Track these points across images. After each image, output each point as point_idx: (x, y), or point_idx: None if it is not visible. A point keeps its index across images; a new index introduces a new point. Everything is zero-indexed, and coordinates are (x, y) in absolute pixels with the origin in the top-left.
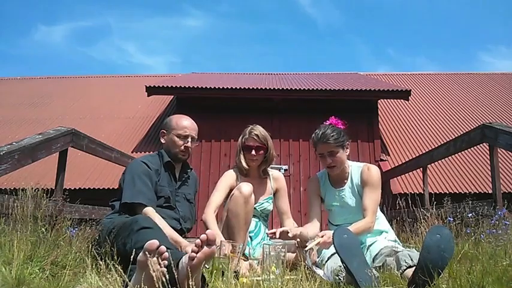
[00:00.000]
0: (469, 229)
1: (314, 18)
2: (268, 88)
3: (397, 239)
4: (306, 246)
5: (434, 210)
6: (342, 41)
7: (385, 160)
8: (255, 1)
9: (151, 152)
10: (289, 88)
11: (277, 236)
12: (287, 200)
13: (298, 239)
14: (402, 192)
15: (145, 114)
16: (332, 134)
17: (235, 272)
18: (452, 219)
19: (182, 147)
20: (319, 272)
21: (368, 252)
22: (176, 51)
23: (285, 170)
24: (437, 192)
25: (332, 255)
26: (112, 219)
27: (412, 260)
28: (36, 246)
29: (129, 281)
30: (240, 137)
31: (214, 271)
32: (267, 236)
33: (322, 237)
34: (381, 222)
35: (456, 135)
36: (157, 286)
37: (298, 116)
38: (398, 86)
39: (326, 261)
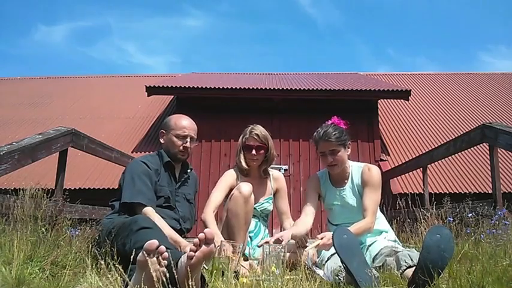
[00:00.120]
0: (469, 229)
1: (314, 18)
2: (268, 88)
3: (397, 239)
4: (306, 246)
5: (434, 210)
6: (342, 41)
7: (385, 160)
8: (255, 1)
9: (151, 152)
10: (289, 88)
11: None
12: (287, 200)
13: (298, 240)
14: (402, 192)
15: (145, 114)
16: (334, 133)
17: (235, 272)
18: (452, 219)
19: (181, 147)
20: (319, 272)
21: (368, 252)
22: (176, 51)
23: (285, 170)
24: (437, 192)
25: (332, 255)
26: (112, 219)
27: (412, 260)
28: (36, 246)
29: (129, 281)
30: (241, 137)
31: (214, 271)
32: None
33: (321, 239)
34: (381, 222)
35: (456, 135)
36: (157, 286)
37: (298, 116)
38: (398, 86)
39: (326, 261)
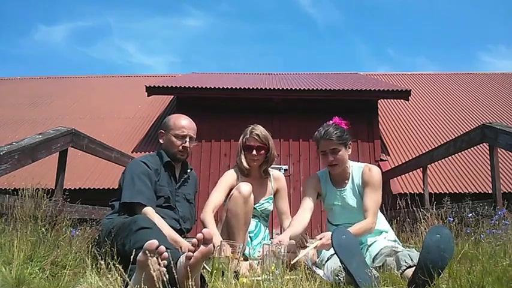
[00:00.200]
0: (469, 229)
1: (314, 18)
2: (268, 88)
3: (397, 239)
4: (306, 246)
5: (434, 210)
6: (342, 41)
7: (385, 160)
8: (255, 1)
9: (151, 152)
10: (289, 88)
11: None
12: (287, 200)
13: (297, 240)
14: (402, 192)
15: (145, 114)
16: (335, 132)
17: (235, 272)
18: (452, 219)
19: (180, 147)
20: (319, 272)
21: (368, 252)
22: (176, 51)
23: (285, 170)
24: (437, 192)
25: (332, 255)
26: (112, 219)
27: (412, 260)
28: (36, 246)
29: (129, 280)
30: (241, 137)
31: (214, 271)
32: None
33: (321, 239)
34: (381, 222)
35: (456, 135)
36: (157, 286)
37: (298, 116)
38: (398, 86)
39: (326, 262)
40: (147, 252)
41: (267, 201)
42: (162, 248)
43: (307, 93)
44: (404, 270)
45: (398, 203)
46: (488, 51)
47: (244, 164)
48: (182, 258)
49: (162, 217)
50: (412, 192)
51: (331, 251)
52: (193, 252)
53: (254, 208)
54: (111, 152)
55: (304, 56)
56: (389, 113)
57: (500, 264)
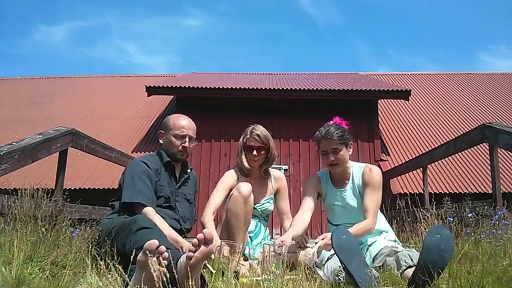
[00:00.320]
0: (469, 229)
1: (314, 18)
2: (268, 88)
3: (397, 239)
4: (306, 246)
5: (434, 210)
6: (342, 41)
7: (385, 160)
8: (255, 1)
9: (151, 152)
10: (289, 88)
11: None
12: (288, 200)
13: (297, 240)
14: (402, 192)
15: (145, 114)
16: (337, 132)
17: (235, 272)
18: (452, 219)
19: (180, 147)
20: (319, 272)
21: (368, 252)
22: (176, 51)
23: (285, 170)
24: (437, 192)
25: (332, 255)
26: (112, 219)
27: (412, 260)
28: (36, 246)
29: (129, 281)
30: (241, 137)
31: (214, 271)
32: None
33: (323, 239)
34: (381, 222)
35: (456, 135)
36: (157, 286)
37: (298, 116)
38: (398, 86)
39: (326, 262)
40: (147, 252)
41: (268, 201)
42: (163, 248)
43: (307, 93)
44: (405, 270)
45: (398, 203)
46: (488, 51)
47: (245, 164)
48: (183, 258)
49: (162, 217)
50: (412, 192)
51: (331, 251)
52: (194, 252)
53: (254, 208)
54: (111, 152)
55: (304, 56)
56: (389, 113)
57: (500, 264)
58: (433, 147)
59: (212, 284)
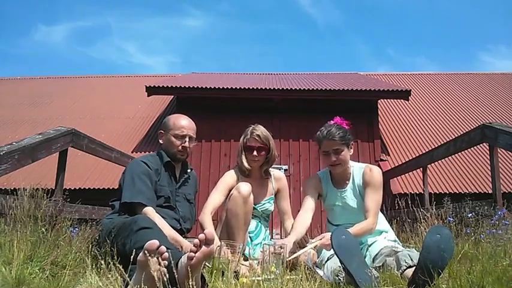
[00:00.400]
0: (469, 229)
1: (314, 18)
2: (268, 88)
3: (397, 239)
4: (306, 246)
5: (434, 210)
6: (342, 41)
7: (385, 160)
8: (255, 1)
9: (151, 152)
10: (289, 88)
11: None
12: (288, 200)
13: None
14: (402, 192)
15: (145, 114)
16: (338, 132)
17: (235, 272)
18: (452, 219)
19: (180, 147)
20: (319, 272)
21: (368, 252)
22: (176, 51)
23: (285, 170)
24: (437, 192)
25: (332, 255)
26: (112, 219)
27: (412, 260)
28: (36, 246)
29: (130, 281)
30: (242, 137)
31: (214, 271)
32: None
33: (321, 239)
34: (381, 222)
35: (456, 135)
36: (158, 286)
37: (298, 116)
38: (398, 86)
39: (326, 262)
40: (147, 252)
41: (268, 202)
42: (163, 248)
43: (307, 93)
44: (405, 270)
45: (398, 203)
46: (488, 51)
47: (245, 164)
48: (184, 259)
49: (163, 217)
50: (412, 192)
51: (331, 251)
52: (195, 252)
53: (255, 208)
54: (111, 152)
55: (304, 56)
56: (389, 113)
57: (500, 264)
58: (433, 147)
59: (212, 284)
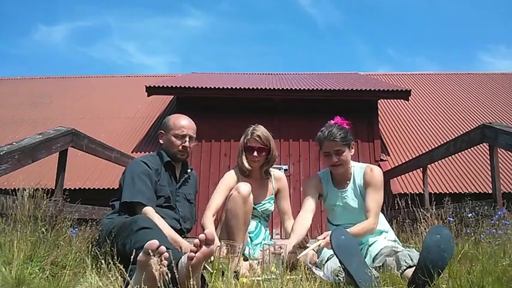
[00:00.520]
0: (469, 229)
1: (314, 18)
2: (268, 88)
3: (397, 239)
4: (306, 246)
5: (434, 210)
6: (342, 41)
7: (385, 160)
8: (255, 1)
9: (151, 152)
10: (289, 88)
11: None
12: (288, 200)
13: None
14: (402, 192)
15: (145, 114)
16: (339, 133)
17: (235, 272)
18: (452, 219)
19: (180, 147)
20: (319, 272)
21: (368, 252)
22: (176, 51)
23: (285, 170)
24: (437, 192)
25: (332, 255)
26: (112, 219)
27: (412, 260)
28: (36, 246)
29: (130, 281)
30: (242, 138)
31: (214, 271)
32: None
33: (323, 238)
34: (381, 222)
35: (456, 135)
36: (158, 286)
37: (298, 116)
38: (398, 86)
39: (326, 262)
40: (147, 252)
41: (268, 202)
42: (163, 248)
43: (307, 93)
44: (405, 270)
45: (398, 203)
46: (488, 51)
47: (246, 165)
48: (184, 259)
49: (163, 217)
50: (412, 192)
51: (332, 251)
52: (195, 252)
53: (255, 209)
54: (111, 152)
55: (304, 56)
56: (389, 113)
57: (500, 264)
58: (433, 147)
59: (212, 284)
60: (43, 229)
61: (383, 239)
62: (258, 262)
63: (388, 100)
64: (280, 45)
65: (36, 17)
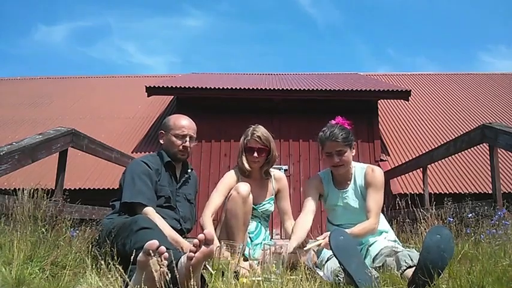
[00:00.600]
0: (469, 229)
1: (314, 18)
2: (268, 88)
3: (397, 239)
4: (306, 246)
5: (434, 210)
6: (342, 41)
7: (385, 160)
8: (255, 1)
9: (151, 152)
10: (289, 88)
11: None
12: (289, 200)
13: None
14: (402, 193)
15: (145, 114)
16: (341, 133)
17: (235, 272)
18: (452, 219)
19: (181, 147)
20: (319, 272)
21: (368, 253)
22: (176, 51)
23: (285, 170)
24: (437, 192)
25: (332, 255)
26: (112, 219)
27: (412, 260)
28: (36, 246)
29: (129, 281)
30: (242, 138)
31: (214, 271)
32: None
33: (324, 238)
34: (381, 222)
35: (456, 135)
36: (158, 286)
37: (298, 116)
38: (398, 86)
39: (326, 262)
40: (147, 252)
41: (268, 202)
42: (163, 248)
43: (307, 93)
44: (405, 270)
45: (398, 203)
46: (488, 51)
47: (246, 165)
48: (183, 259)
49: (163, 217)
50: (412, 193)
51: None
52: (195, 252)
53: (255, 209)
54: (111, 152)
55: (304, 56)
56: (389, 113)
57: (500, 264)
58: (433, 147)
59: (212, 284)
60: (43, 229)
61: (383, 239)
62: (258, 262)
63: (388, 100)
64: (280, 45)
65: (36, 17)
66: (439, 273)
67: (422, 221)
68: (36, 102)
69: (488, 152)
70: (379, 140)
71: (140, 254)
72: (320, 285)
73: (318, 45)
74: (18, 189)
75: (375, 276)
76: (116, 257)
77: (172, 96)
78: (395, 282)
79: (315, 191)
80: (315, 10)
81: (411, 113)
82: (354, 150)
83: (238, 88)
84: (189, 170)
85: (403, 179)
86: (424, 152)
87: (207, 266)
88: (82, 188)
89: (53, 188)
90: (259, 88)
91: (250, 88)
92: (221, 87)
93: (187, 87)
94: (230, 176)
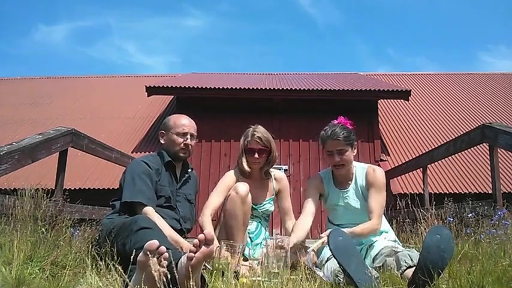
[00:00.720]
0: (469, 229)
1: (314, 18)
2: (268, 88)
3: (397, 239)
4: (306, 246)
5: (434, 210)
6: (342, 41)
7: (385, 160)
8: (255, 1)
9: (151, 152)
10: (289, 88)
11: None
12: (289, 200)
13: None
14: (402, 193)
15: (145, 114)
16: (342, 132)
17: (235, 272)
18: (452, 219)
19: (182, 145)
20: (319, 272)
21: (368, 253)
22: (176, 51)
23: (285, 170)
24: (437, 192)
25: (332, 255)
26: (112, 219)
27: (412, 260)
28: (36, 246)
29: (129, 281)
30: (242, 139)
31: (214, 271)
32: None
33: (327, 236)
34: (381, 222)
35: (456, 135)
36: (158, 286)
37: (298, 116)
38: (398, 86)
39: (326, 262)
40: (147, 252)
41: (268, 203)
42: (163, 248)
43: (307, 93)
44: (405, 270)
45: (398, 203)
46: (488, 51)
47: (246, 166)
48: (183, 259)
49: (163, 217)
50: (412, 193)
51: None
52: (195, 252)
53: (255, 209)
54: (111, 152)
55: (304, 56)
56: (389, 113)
57: (500, 264)
58: (433, 147)
59: (212, 284)
60: (43, 229)
61: (383, 239)
62: (258, 262)
63: (388, 100)
64: (280, 45)
65: (36, 17)
66: (439, 273)
67: (422, 221)
68: (36, 102)
69: (488, 152)
70: (379, 140)
71: (140, 254)
72: (320, 285)
73: (318, 45)
74: (18, 189)
75: (375, 276)
76: (115, 257)
77: (172, 96)
78: (395, 282)
79: (315, 191)
80: (315, 10)
81: (411, 113)
82: (355, 150)
83: (238, 88)
84: (189, 170)
85: (403, 179)
86: (424, 152)
87: (207, 265)
88: (82, 188)
89: (53, 188)
90: (259, 88)
91: (250, 88)
92: (221, 87)
93: (187, 87)
94: (230, 176)
